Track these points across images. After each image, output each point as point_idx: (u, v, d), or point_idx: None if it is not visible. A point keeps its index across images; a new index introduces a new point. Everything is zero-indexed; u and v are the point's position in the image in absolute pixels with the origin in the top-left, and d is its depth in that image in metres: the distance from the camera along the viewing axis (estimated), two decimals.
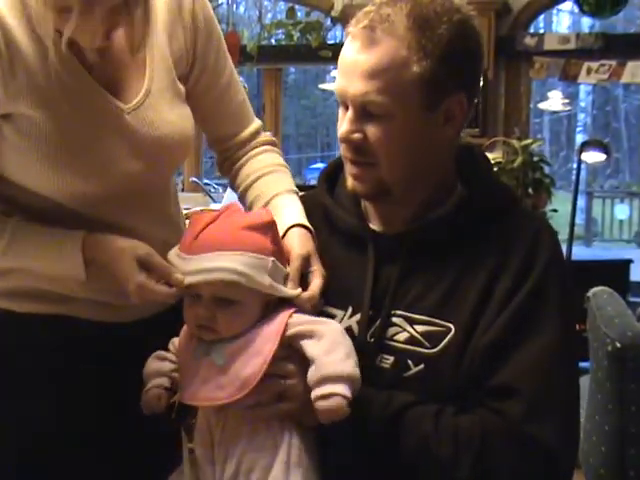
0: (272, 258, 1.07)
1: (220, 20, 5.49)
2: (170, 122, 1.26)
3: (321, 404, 1.00)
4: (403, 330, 1.13)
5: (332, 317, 1.15)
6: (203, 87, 1.34)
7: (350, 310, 1.16)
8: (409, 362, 1.12)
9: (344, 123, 1.13)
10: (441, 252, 1.14)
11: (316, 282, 1.14)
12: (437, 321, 1.12)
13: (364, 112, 1.11)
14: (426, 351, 1.11)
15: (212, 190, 4.69)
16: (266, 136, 1.49)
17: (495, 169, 3.61)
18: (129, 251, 1.15)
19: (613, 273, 4.43)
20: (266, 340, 1.05)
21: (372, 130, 1.11)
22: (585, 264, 4.44)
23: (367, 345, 1.13)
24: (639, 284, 5.14)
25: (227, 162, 1.44)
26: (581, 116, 15.94)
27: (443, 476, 1.07)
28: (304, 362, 1.04)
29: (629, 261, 4.60)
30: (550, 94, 6.13)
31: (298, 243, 1.17)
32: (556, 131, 17.29)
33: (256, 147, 1.45)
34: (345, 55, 1.13)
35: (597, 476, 1.78)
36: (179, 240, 1.13)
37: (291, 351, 1.06)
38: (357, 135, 1.12)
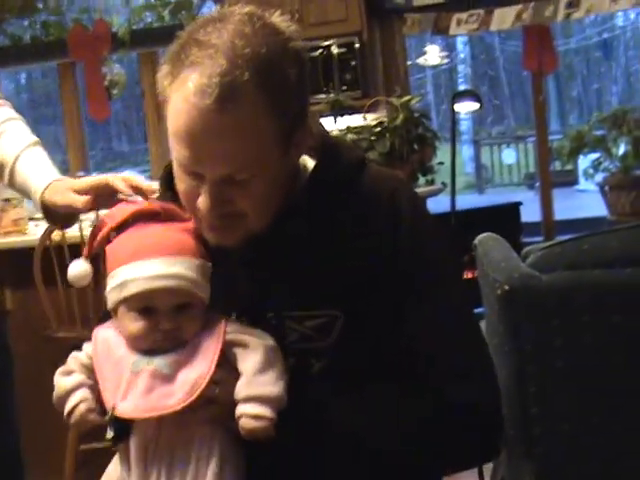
0: (210, 263, 1.07)
1: (88, 9, 5.33)
2: None
3: (247, 423, 1.01)
4: (292, 330, 1.11)
5: (209, 319, 1.11)
6: None
7: (233, 316, 1.13)
8: (310, 360, 1.11)
9: (203, 199, 1.05)
10: (303, 242, 1.12)
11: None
12: (321, 312, 1.11)
13: (227, 183, 1.05)
14: (322, 344, 1.11)
15: None
16: None
17: (379, 129, 3.65)
18: None
19: (505, 217, 4.57)
20: (209, 344, 1.04)
21: (239, 197, 1.06)
22: (476, 211, 4.56)
23: None
24: (532, 225, 5.31)
25: None
26: (461, 67, 16.24)
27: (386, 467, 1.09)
28: (234, 370, 1.05)
29: (519, 203, 4.75)
30: (427, 49, 6.21)
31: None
32: (438, 85, 17.57)
33: None
34: (190, 127, 1.01)
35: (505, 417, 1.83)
36: None
37: (222, 358, 1.05)
38: (223, 207, 1.06)
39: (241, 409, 1.02)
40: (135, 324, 1.05)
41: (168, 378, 1.03)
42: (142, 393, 1.02)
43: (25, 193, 1.42)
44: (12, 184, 1.44)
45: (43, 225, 3.06)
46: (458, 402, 1.09)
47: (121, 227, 1.09)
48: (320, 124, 1.20)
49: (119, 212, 1.10)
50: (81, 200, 1.25)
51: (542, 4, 4.44)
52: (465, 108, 2.26)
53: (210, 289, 1.09)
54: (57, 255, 2.80)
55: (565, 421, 1.75)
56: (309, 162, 1.17)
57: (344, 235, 1.12)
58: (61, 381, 1.09)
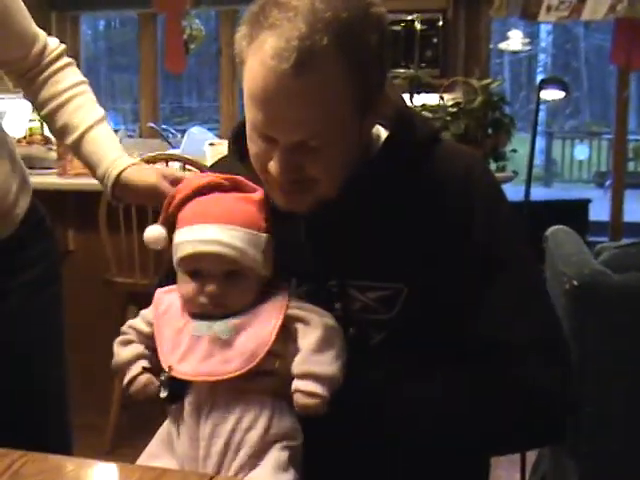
0: (265, 235, 1.07)
1: None
2: None
3: (301, 398, 1.02)
4: (355, 299, 1.10)
5: (273, 288, 1.11)
6: None
7: (294, 282, 1.12)
8: (370, 331, 1.10)
9: (275, 163, 1.04)
10: (373, 211, 1.10)
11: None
12: (386, 284, 1.09)
13: (300, 149, 1.03)
14: (383, 317, 1.09)
15: (170, 136, 4.60)
16: (56, 46, 1.53)
17: (455, 110, 3.59)
18: None
19: (572, 213, 4.48)
20: (270, 314, 1.05)
21: (311, 163, 1.04)
22: (544, 204, 4.48)
23: None
24: (598, 223, 5.19)
25: (23, 79, 1.50)
26: (541, 56, 15.91)
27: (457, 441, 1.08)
28: (293, 343, 1.05)
29: (588, 200, 4.65)
30: (510, 34, 6.08)
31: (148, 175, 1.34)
32: (516, 72, 17.24)
33: (51, 63, 1.49)
34: (266, 91, 1.00)
35: None
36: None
37: (283, 331, 1.05)
38: (294, 172, 1.05)
39: (296, 384, 1.03)
40: (185, 286, 1.08)
41: (227, 344, 1.04)
42: (201, 357, 1.04)
43: (90, 162, 1.49)
44: (76, 149, 1.50)
45: None
46: (531, 378, 1.07)
47: (191, 197, 1.11)
48: (398, 94, 1.18)
49: (189, 183, 1.13)
50: (167, 186, 1.34)
51: None
52: (551, 95, 2.20)
53: (270, 261, 1.09)
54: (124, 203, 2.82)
55: (617, 425, 1.72)
56: (382, 132, 1.15)
57: (415, 208, 1.10)
58: (121, 351, 1.11)
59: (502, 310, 1.08)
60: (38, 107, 1.53)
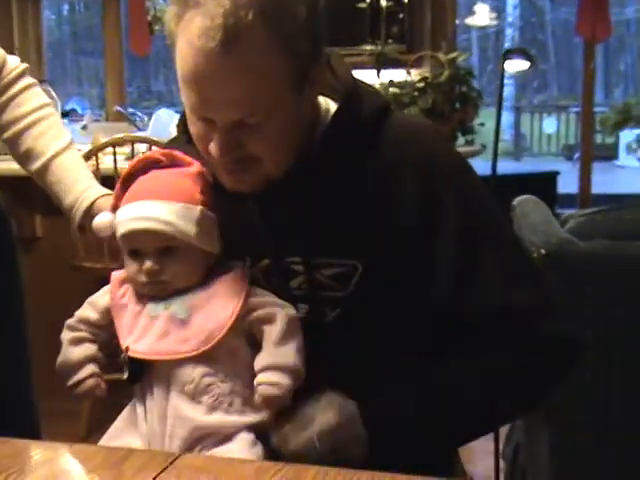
0: (200, 207, 1.06)
1: None
2: None
3: (265, 389, 1.02)
4: (310, 276, 1.09)
5: (230, 268, 1.10)
6: None
7: (249, 261, 1.10)
8: (325, 308, 1.09)
9: (215, 143, 1.02)
10: (324, 188, 1.08)
11: None
12: (341, 261, 1.07)
13: (238, 127, 1.01)
14: (338, 294, 1.08)
15: (137, 119, 4.55)
16: (16, 66, 1.46)
17: (422, 85, 3.58)
18: None
19: (541, 185, 4.50)
20: (230, 296, 1.05)
21: (251, 141, 1.02)
22: (513, 177, 4.50)
23: (279, 297, 1.08)
24: (567, 196, 5.23)
25: None
26: (508, 31, 15.94)
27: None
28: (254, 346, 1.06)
29: (556, 173, 4.68)
30: (477, 8, 6.09)
31: None
32: (484, 47, 17.27)
33: (10, 85, 1.43)
34: (196, 72, 0.98)
35: None
36: None
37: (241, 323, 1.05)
38: (235, 151, 1.03)
39: (259, 378, 1.03)
40: (128, 267, 1.08)
41: (184, 323, 1.04)
42: (157, 336, 1.04)
43: (57, 192, 1.43)
44: (41, 177, 1.44)
45: (80, 154, 3.05)
46: (546, 336, 1.09)
47: (131, 177, 1.11)
48: (346, 67, 1.16)
49: (129, 165, 1.12)
50: None
51: None
52: (515, 67, 2.20)
53: (212, 235, 1.08)
54: None
55: (587, 391, 1.73)
56: (332, 106, 1.13)
57: (367, 182, 1.09)
58: (70, 351, 1.10)
59: (496, 277, 1.08)
60: None
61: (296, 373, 1.03)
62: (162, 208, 1.05)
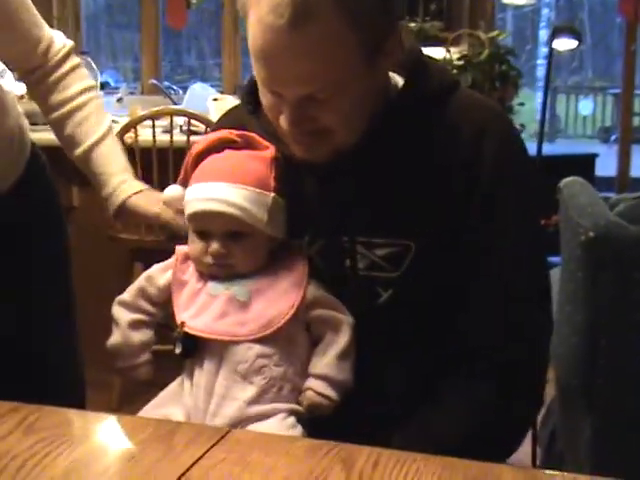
0: (273, 194, 1.05)
1: None
2: None
3: (313, 397, 1.04)
4: (364, 256, 1.08)
5: (289, 247, 1.10)
6: None
7: (306, 240, 1.10)
8: (378, 289, 1.08)
9: (285, 117, 1.01)
10: (385, 165, 1.07)
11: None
12: (395, 241, 1.06)
13: (309, 101, 1.00)
14: (391, 274, 1.06)
15: (172, 92, 4.55)
16: (62, 46, 1.48)
17: (462, 62, 3.54)
18: None
19: (579, 167, 4.42)
20: (291, 285, 1.05)
21: (323, 114, 1.01)
22: (551, 159, 4.42)
23: (335, 276, 1.08)
24: (603, 179, 5.15)
25: (29, 79, 1.46)
26: (544, 11, 15.70)
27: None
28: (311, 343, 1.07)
29: (595, 155, 4.60)
30: None
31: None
32: (519, 27, 17.05)
33: (58, 66, 1.45)
34: (265, 48, 0.98)
35: (567, 366, 1.79)
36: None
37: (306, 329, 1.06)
38: (307, 124, 1.02)
39: (312, 383, 1.05)
40: (193, 245, 1.07)
41: (244, 306, 1.04)
42: (216, 316, 1.04)
43: (96, 180, 1.47)
44: (81, 163, 1.48)
45: (116, 127, 3.05)
46: (504, 361, 1.07)
47: (204, 154, 1.10)
48: (414, 41, 1.14)
49: (202, 141, 1.11)
50: (171, 215, 1.29)
51: None
52: (563, 45, 2.15)
53: (280, 222, 1.08)
54: (128, 157, 2.79)
55: (632, 377, 1.70)
56: (399, 80, 1.12)
57: (425, 162, 1.07)
58: (128, 335, 1.09)
59: (491, 286, 1.07)
60: (45, 112, 1.49)
61: (346, 390, 1.05)
62: (236, 192, 1.04)
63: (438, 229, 1.06)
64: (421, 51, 1.13)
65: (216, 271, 1.06)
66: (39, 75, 1.47)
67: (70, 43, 1.50)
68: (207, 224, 1.06)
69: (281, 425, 1.03)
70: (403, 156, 1.07)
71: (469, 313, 1.07)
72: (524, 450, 2.44)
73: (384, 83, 1.09)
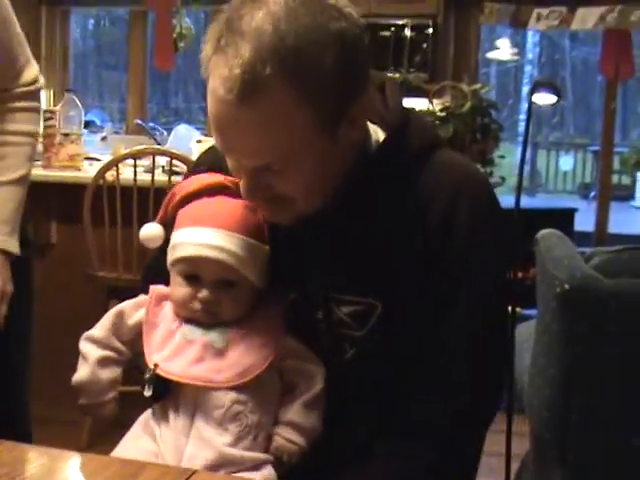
0: (267, 247, 1.05)
1: None
2: None
3: (280, 442, 1.04)
4: (330, 313, 1.07)
5: (268, 302, 1.09)
6: None
7: (280, 293, 1.09)
8: (344, 345, 1.07)
9: (242, 184, 1.01)
10: (356, 222, 1.05)
11: None
12: (361, 299, 1.05)
13: (265, 171, 0.98)
14: (355, 333, 1.06)
15: (157, 134, 4.57)
16: (34, 81, 1.48)
17: (444, 114, 3.58)
18: None
19: (558, 222, 4.45)
20: (268, 336, 1.04)
21: (280, 184, 0.99)
22: (531, 212, 4.46)
23: (305, 329, 1.07)
24: (582, 234, 5.20)
25: None
26: (527, 68, 15.98)
27: None
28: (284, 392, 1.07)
29: (574, 210, 4.65)
30: (499, 42, 6.08)
31: None
32: (503, 82, 17.32)
33: (16, 98, 1.45)
34: (217, 120, 0.96)
35: (540, 419, 1.79)
36: None
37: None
38: (263, 192, 1.00)
39: (282, 430, 1.04)
40: (179, 289, 1.05)
41: (220, 353, 1.02)
42: (192, 360, 1.02)
43: None
44: None
45: (98, 165, 3.05)
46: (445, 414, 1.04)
47: (193, 197, 1.08)
48: (398, 97, 1.11)
49: (192, 182, 1.09)
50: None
51: (629, 9, 4.30)
52: (543, 100, 2.19)
53: (266, 273, 1.07)
54: (108, 195, 2.79)
55: (604, 433, 1.70)
56: (381, 135, 1.09)
57: (397, 222, 1.05)
58: (97, 373, 1.07)
59: (446, 342, 1.05)
60: None
61: (314, 438, 1.05)
62: (235, 241, 1.03)
63: (406, 289, 1.04)
64: (404, 108, 1.11)
65: (202, 318, 1.04)
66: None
67: (41, 82, 1.50)
68: (199, 270, 1.03)
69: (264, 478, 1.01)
70: (376, 214, 1.05)
71: (420, 369, 1.05)
72: None
73: (355, 144, 1.05)
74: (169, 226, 1.09)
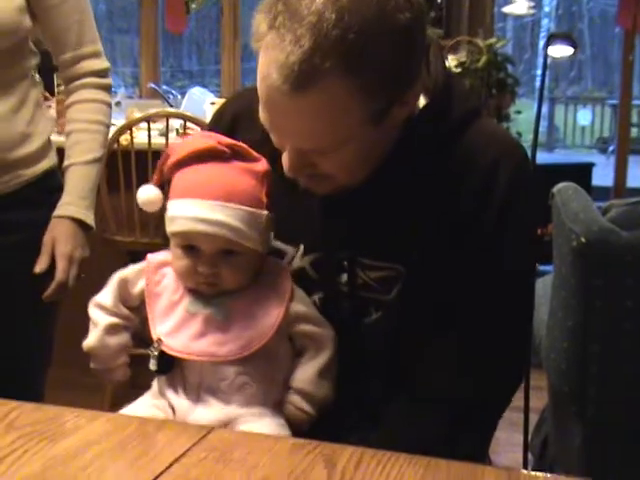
0: (266, 212, 1.02)
1: None
2: None
3: (290, 410, 1.04)
4: (356, 276, 1.06)
5: (281, 253, 1.08)
6: None
7: (302, 249, 1.08)
8: (370, 308, 1.07)
9: (284, 160, 0.99)
10: (390, 190, 1.04)
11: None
12: (387, 265, 1.05)
13: (307, 151, 0.97)
14: (382, 297, 1.06)
15: (171, 97, 4.55)
16: (93, 64, 1.56)
17: (459, 70, 3.54)
18: None
19: (575, 176, 4.42)
20: (273, 304, 1.02)
21: (325, 163, 0.98)
22: (547, 167, 4.43)
23: (326, 289, 1.07)
24: (600, 189, 5.16)
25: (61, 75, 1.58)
26: (544, 21, 15.73)
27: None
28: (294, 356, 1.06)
29: (591, 164, 4.61)
30: None
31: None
32: (519, 36, 17.08)
33: (81, 88, 1.55)
34: (267, 100, 0.93)
35: (558, 372, 1.79)
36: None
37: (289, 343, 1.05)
38: (306, 169, 0.99)
39: (293, 398, 1.05)
40: (179, 261, 1.03)
41: (223, 326, 1.01)
42: (194, 335, 1.01)
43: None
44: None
45: (112, 129, 3.04)
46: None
47: (186, 161, 1.03)
48: (442, 62, 1.09)
49: (184, 146, 1.04)
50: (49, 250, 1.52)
51: None
52: (559, 52, 2.15)
53: (268, 237, 1.05)
54: (123, 160, 2.79)
55: (623, 384, 1.69)
56: (422, 100, 1.07)
57: (431, 191, 1.04)
58: (106, 340, 1.07)
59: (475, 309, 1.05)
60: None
61: (324, 406, 1.05)
62: (230, 213, 0.99)
63: (435, 256, 1.04)
64: (447, 74, 1.08)
65: (205, 289, 1.03)
66: (66, 78, 1.56)
67: (110, 79, 1.59)
68: (197, 242, 1.01)
69: (271, 423, 1.02)
70: (413, 181, 1.04)
71: (445, 335, 1.05)
72: (515, 457, 2.44)
73: (402, 121, 1.02)
74: (167, 185, 1.07)
